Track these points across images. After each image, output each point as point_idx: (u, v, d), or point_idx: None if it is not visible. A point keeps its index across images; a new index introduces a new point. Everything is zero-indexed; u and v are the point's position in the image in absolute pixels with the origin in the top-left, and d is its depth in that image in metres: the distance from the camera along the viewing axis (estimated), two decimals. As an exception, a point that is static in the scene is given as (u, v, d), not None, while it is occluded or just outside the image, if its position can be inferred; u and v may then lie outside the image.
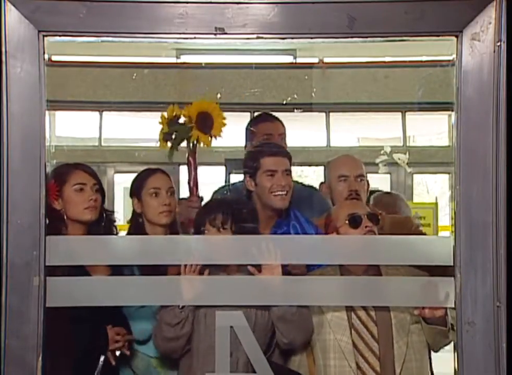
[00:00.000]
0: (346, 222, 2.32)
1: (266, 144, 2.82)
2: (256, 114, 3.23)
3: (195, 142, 2.77)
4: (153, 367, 2.54)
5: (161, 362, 2.53)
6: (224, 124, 2.79)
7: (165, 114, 2.79)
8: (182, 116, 2.78)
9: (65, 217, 2.40)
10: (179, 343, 2.26)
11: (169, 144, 2.80)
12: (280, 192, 2.55)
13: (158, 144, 2.84)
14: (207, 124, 2.76)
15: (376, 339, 2.27)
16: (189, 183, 2.81)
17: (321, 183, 2.83)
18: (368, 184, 2.80)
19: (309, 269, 2.35)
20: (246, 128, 3.16)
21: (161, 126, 2.80)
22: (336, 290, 2.10)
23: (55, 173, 2.38)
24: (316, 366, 2.32)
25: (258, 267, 2.15)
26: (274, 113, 3.23)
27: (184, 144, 2.81)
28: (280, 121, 3.14)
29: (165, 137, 2.79)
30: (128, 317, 2.46)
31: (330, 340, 2.28)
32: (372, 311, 2.28)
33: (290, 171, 2.60)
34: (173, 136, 2.78)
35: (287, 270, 2.23)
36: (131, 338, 2.44)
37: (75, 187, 2.42)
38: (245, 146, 3.08)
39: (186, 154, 2.81)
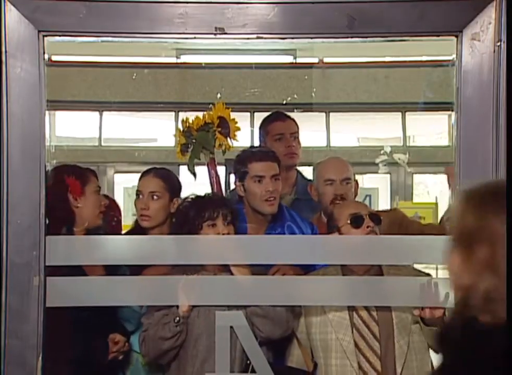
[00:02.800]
0: (348, 221, 2.32)
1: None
2: (268, 113, 3.20)
3: (214, 148, 2.74)
4: (140, 364, 2.52)
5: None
6: (239, 129, 2.78)
7: (180, 126, 2.77)
8: (202, 122, 2.74)
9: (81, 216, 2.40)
10: (172, 354, 2.27)
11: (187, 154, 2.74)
12: (269, 198, 2.54)
13: (176, 152, 2.75)
14: (225, 128, 2.75)
15: (378, 339, 2.27)
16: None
17: (311, 185, 2.84)
18: (357, 184, 2.81)
19: (311, 269, 2.35)
20: (259, 129, 3.14)
21: (178, 138, 2.75)
22: (338, 290, 2.11)
23: (77, 172, 2.39)
24: (318, 366, 2.33)
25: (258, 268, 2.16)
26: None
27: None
28: (293, 120, 3.12)
29: (182, 148, 2.76)
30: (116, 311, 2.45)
31: (332, 339, 2.28)
32: (374, 310, 2.28)
33: (279, 176, 2.58)
34: (191, 146, 2.74)
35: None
36: (127, 349, 2.41)
37: (97, 188, 2.44)
38: (260, 146, 3.06)
39: (206, 164, 2.76)
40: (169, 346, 2.23)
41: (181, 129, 2.74)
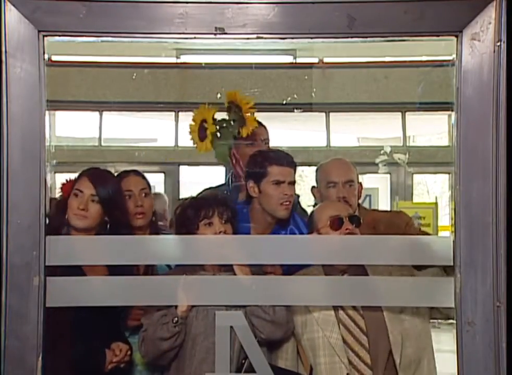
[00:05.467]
0: (328, 223, 2.33)
1: (273, 151, 2.78)
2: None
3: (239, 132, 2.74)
4: (139, 363, 2.51)
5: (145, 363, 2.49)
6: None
7: (206, 114, 2.75)
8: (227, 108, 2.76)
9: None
10: (171, 353, 2.27)
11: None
12: (285, 202, 2.55)
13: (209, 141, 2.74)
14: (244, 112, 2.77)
15: (364, 332, 2.28)
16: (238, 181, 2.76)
17: (313, 187, 2.83)
18: (361, 187, 2.79)
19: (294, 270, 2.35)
20: None
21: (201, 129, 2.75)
22: (325, 290, 2.11)
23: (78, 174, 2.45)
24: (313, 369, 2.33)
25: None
26: (274, 114, 3.21)
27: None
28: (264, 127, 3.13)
29: (214, 137, 2.75)
30: None
31: (319, 338, 2.29)
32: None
33: (295, 181, 2.59)
34: (219, 134, 2.74)
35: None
36: (127, 359, 2.40)
37: (73, 191, 2.43)
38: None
39: (231, 151, 2.77)
40: (168, 346, 2.23)
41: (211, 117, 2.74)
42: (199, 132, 2.74)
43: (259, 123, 3.13)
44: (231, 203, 2.46)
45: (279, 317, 2.22)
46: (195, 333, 2.25)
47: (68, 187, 2.44)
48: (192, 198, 2.47)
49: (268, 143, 3.05)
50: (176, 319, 2.19)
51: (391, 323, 2.27)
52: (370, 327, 2.28)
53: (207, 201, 2.36)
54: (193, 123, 2.76)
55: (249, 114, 2.77)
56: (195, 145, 2.78)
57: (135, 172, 2.72)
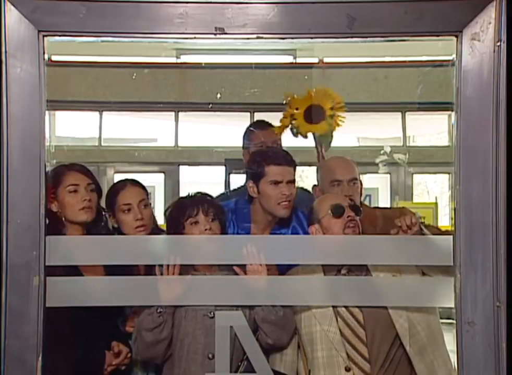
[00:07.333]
0: (329, 212, 2.34)
1: (271, 149, 2.77)
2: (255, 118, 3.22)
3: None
4: (134, 369, 2.50)
5: (141, 364, 2.48)
6: None
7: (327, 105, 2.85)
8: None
9: (63, 219, 2.38)
10: (159, 348, 2.25)
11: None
12: (284, 202, 2.54)
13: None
14: None
15: (362, 326, 2.28)
16: None
17: (315, 186, 2.82)
18: (361, 185, 2.79)
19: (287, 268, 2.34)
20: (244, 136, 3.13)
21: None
22: (326, 289, 2.11)
23: (50, 175, 2.35)
24: (307, 361, 2.33)
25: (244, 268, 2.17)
26: (273, 114, 3.22)
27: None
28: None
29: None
30: None
31: (316, 332, 2.29)
32: None
33: (294, 180, 2.58)
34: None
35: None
36: (127, 362, 2.39)
37: (68, 188, 2.40)
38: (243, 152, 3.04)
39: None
40: (153, 339, 2.22)
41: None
42: (314, 112, 2.93)
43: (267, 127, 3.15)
44: (218, 202, 2.46)
45: (287, 322, 2.23)
46: (183, 333, 2.25)
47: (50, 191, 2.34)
48: (180, 198, 2.48)
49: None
50: (160, 308, 2.19)
51: (395, 312, 2.27)
52: (368, 321, 2.28)
53: (192, 200, 2.36)
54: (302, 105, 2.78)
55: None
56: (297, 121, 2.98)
57: (132, 182, 2.60)
